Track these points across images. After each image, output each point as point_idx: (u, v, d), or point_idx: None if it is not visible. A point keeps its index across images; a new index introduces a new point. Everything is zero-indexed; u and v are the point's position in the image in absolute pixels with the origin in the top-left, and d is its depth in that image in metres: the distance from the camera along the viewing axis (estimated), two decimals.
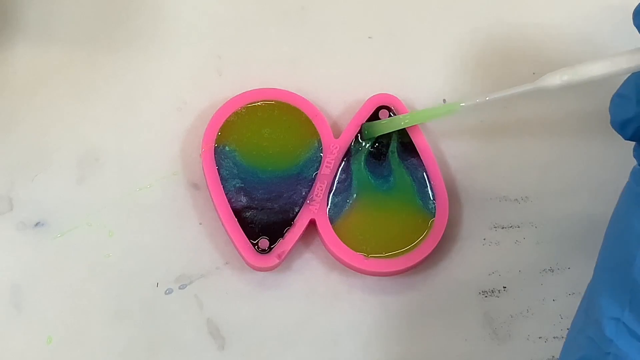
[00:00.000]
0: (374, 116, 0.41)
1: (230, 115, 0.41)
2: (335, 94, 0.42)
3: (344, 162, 0.40)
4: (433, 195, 0.40)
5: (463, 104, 0.40)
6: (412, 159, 0.41)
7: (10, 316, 0.39)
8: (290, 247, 0.39)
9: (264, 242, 0.39)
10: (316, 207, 0.39)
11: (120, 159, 0.41)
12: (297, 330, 0.39)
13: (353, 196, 0.40)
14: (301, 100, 0.41)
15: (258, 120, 0.41)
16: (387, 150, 0.41)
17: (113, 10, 0.43)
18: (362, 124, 0.41)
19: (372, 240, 0.39)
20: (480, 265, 0.40)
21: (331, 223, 0.39)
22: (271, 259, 0.39)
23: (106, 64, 0.42)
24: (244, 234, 0.39)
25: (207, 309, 0.39)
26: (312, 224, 0.40)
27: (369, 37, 0.44)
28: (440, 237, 0.39)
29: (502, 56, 0.43)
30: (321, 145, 0.41)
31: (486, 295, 0.40)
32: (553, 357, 0.39)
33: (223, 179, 0.40)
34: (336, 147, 0.41)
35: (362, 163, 0.40)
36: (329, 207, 0.40)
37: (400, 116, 0.41)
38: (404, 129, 0.41)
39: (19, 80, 0.42)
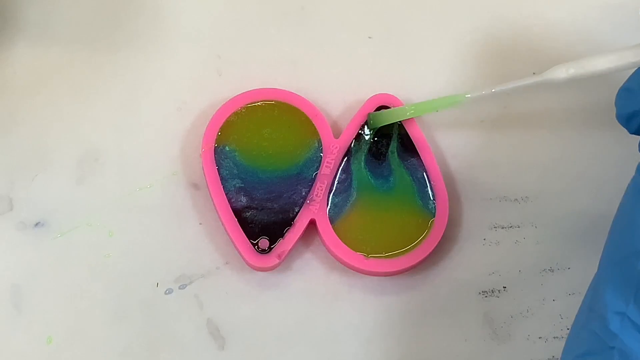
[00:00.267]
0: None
1: (230, 115, 0.41)
2: (335, 94, 0.42)
3: (344, 162, 0.40)
4: (433, 195, 0.40)
5: (469, 96, 0.40)
6: (412, 159, 0.41)
7: (10, 316, 0.39)
8: (290, 247, 0.39)
9: (264, 242, 0.39)
10: (316, 207, 0.39)
11: (120, 159, 0.41)
12: (297, 330, 0.39)
13: (353, 196, 0.40)
14: (301, 100, 0.41)
15: (258, 120, 0.41)
16: (387, 150, 0.41)
17: (113, 10, 0.43)
18: (369, 113, 0.41)
19: (372, 240, 0.39)
20: (480, 265, 0.40)
21: (331, 223, 0.39)
22: (271, 259, 0.39)
23: (106, 64, 0.42)
24: (244, 234, 0.39)
25: (207, 309, 0.39)
26: (312, 224, 0.40)
27: (369, 37, 0.44)
28: (440, 237, 0.39)
29: (502, 56, 0.43)
30: (321, 145, 0.41)
31: (486, 295, 0.40)
32: (553, 357, 0.39)
33: (223, 179, 0.40)
34: (336, 147, 0.41)
35: (362, 163, 0.41)
36: (329, 207, 0.40)
37: (406, 106, 0.41)
38: (405, 129, 0.41)
39: (19, 80, 0.42)
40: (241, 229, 0.39)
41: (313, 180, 0.40)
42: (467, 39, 0.43)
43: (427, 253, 0.39)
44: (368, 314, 0.39)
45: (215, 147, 0.40)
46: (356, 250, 0.39)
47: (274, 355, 0.39)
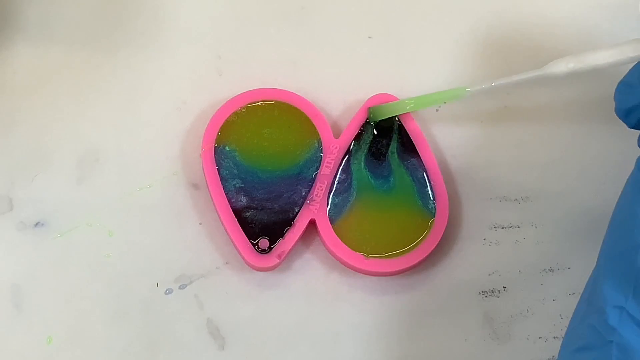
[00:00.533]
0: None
1: (230, 115, 0.41)
2: (335, 94, 0.42)
3: (344, 162, 0.40)
4: (433, 195, 0.40)
5: (469, 89, 0.40)
6: (412, 159, 0.41)
7: (10, 316, 0.39)
8: (290, 247, 0.39)
9: (264, 242, 0.39)
10: (316, 207, 0.39)
11: (120, 159, 0.41)
12: (297, 330, 0.39)
13: (353, 196, 0.40)
14: (301, 100, 0.41)
15: (258, 120, 0.41)
16: (387, 150, 0.41)
17: (113, 10, 0.43)
18: (369, 107, 0.41)
19: (372, 240, 0.39)
20: (480, 265, 0.40)
21: (331, 223, 0.39)
22: (271, 259, 0.39)
23: (106, 64, 0.42)
24: (244, 234, 0.39)
25: (207, 309, 0.39)
26: (312, 224, 0.40)
27: (369, 37, 0.44)
28: (440, 237, 0.39)
29: (502, 56, 0.43)
30: (321, 145, 0.41)
31: (486, 295, 0.40)
32: (553, 357, 0.39)
33: (223, 179, 0.40)
34: (336, 147, 0.41)
35: (362, 163, 0.41)
36: (329, 207, 0.40)
37: (407, 100, 0.41)
38: (405, 129, 0.41)
39: (19, 80, 0.42)
40: (241, 229, 0.39)
41: (313, 180, 0.40)
42: (467, 39, 0.43)
43: (427, 253, 0.39)
44: (368, 314, 0.39)
45: (215, 147, 0.40)
46: (356, 250, 0.39)
47: (274, 355, 0.39)
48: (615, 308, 0.31)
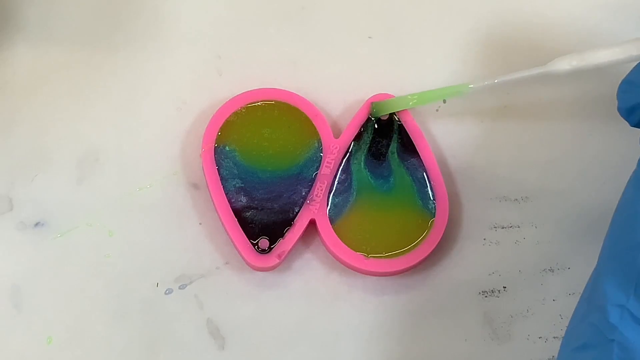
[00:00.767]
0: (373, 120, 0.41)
1: (230, 115, 0.41)
2: (335, 94, 0.42)
3: (344, 162, 0.40)
4: (433, 195, 0.40)
5: (472, 86, 0.40)
6: (412, 159, 0.41)
7: (10, 316, 0.39)
8: (290, 247, 0.39)
9: (264, 242, 0.39)
10: (316, 207, 0.39)
11: (120, 159, 0.41)
12: (297, 330, 0.39)
13: (353, 196, 0.40)
14: (301, 100, 0.41)
15: (258, 120, 0.41)
16: (387, 150, 0.41)
17: (113, 10, 0.43)
18: (372, 102, 0.41)
19: (372, 240, 0.39)
20: (480, 265, 0.40)
21: (331, 223, 0.39)
22: (271, 259, 0.39)
23: (106, 64, 0.42)
24: (244, 234, 0.39)
25: (207, 309, 0.39)
26: (312, 224, 0.40)
27: (369, 37, 0.44)
28: (440, 237, 0.39)
29: (503, 56, 0.43)
30: (321, 145, 0.41)
31: (486, 295, 0.40)
32: (553, 357, 0.39)
33: (223, 179, 0.40)
34: (336, 147, 0.41)
35: (362, 163, 0.41)
36: (329, 207, 0.40)
37: (409, 95, 0.41)
38: (405, 129, 0.41)
39: (19, 80, 0.42)
40: (241, 229, 0.39)
41: (313, 180, 0.40)
42: (467, 39, 0.43)
43: (427, 253, 0.39)
44: (368, 314, 0.39)
45: (215, 147, 0.40)
46: (356, 250, 0.39)
47: (274, 355, 0.39)
48: (617, 307, 0.31)
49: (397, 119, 0.41)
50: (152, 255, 0.40)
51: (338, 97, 0.42)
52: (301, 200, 0.40)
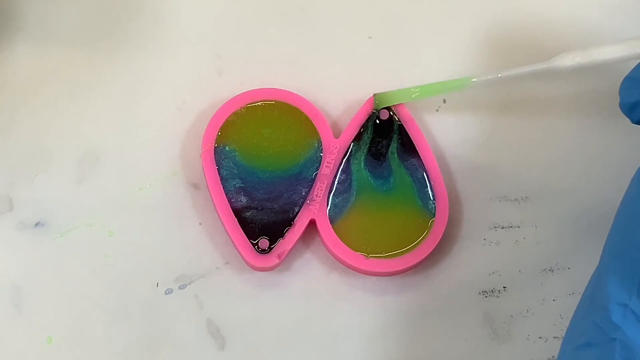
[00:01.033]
0: (374, 116, 0.41)
1: (230, 115, 0.41)
2: (335, 94, 0.42)
3: (344, 162, 0.40)
4: (433, 195, 0.40)
5: (474, 80, 0.40)
6: (412, 159, 0.41)
7: (10, 316, 0.39)
8: (290, 247, 0.39)
9: (264, 242, 0.39)
10: (316, 207, 0.39)
11: (120, 159, 0.41)
12: (297, 330, 0.39)
13: (353, 196, 0.40)
14: (301, 100, 0.41)
15: (258, 120, 0.41)
16: (387, 150, 0.41)
17: (113, 10, 0.43)
18: (375, 94, 0.41)
19: (372, 241, 0.39)
20: (480, 265, 0.40)
21: (331, 223, 0.39)
22: (271, 259, 0.39)
23: (106, 64, 0.42)
24: (244, 234, 0.39)
25: (207, 309, 0.39)
26: (312, 224, 0.40)
27: (369, 37, 0.44)
28: (440, 237, 0.39)
29: (502, 56, 0.43)
30: (321, 145, 0.41)
31: (486, 295, 0.40)
32: (553, 357, 0.39)
33: (223, 179, 0.40)
34: (336, 147, 0.41)
35: (362, 163, 0.40)
36: (329, 207, 0.40)
37: (412, 87, 0.41)
38: (405, 129, 0.41)
39: (19, 80, 0.42)
40: (241, 229, 0.39)
41: (313, 180, 0.40)
42: (467, 40, 0.43)
43: (427, 253, 0.39)
44: (368, 314, 0.39)
45: (215, 147, 0.40)
46: (356, 250, 0.39)
47: (274, 355, 0.39)
48: (619, 305, 0.31)
49: (397, 119, 0.41)
50: (152, 255, 0.40)
51: (338, 97, 0.42)
52: (301, 200, 0.40)
